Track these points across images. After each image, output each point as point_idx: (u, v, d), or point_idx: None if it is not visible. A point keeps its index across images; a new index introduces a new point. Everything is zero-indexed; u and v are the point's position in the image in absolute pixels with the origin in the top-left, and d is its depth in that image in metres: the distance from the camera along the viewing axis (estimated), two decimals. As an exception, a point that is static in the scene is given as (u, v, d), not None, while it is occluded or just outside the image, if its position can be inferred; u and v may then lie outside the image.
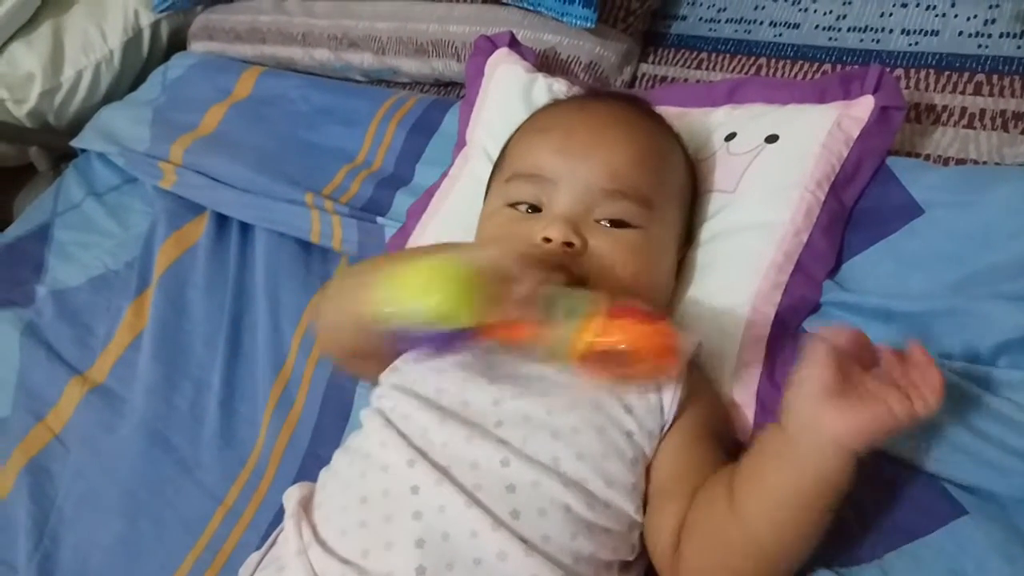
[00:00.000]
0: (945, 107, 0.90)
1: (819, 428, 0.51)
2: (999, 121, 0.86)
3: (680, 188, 0.78)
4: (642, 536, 0.63)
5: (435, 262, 0.57)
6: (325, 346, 0.79)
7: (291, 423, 0.94)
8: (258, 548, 0.69)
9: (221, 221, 1.18)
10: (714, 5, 1.14)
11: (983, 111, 0.87)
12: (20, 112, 1.53)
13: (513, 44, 1.05)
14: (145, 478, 0.95)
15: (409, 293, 0.56)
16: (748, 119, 0.85)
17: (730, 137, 0.84)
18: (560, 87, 0.97)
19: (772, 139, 0.81)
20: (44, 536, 0.93)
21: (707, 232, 0.80)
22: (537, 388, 0.63)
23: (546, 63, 1.10)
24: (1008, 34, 0.91)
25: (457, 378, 0.64)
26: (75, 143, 1.44)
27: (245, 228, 1.15)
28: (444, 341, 0.57)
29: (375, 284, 0.59)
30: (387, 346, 0.66)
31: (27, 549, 0.92)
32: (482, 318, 0.55)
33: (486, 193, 0.82)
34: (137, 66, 1.63)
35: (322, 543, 0.59)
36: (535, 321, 0.57)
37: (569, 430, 0.60)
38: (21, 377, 1.10)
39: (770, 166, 0.80)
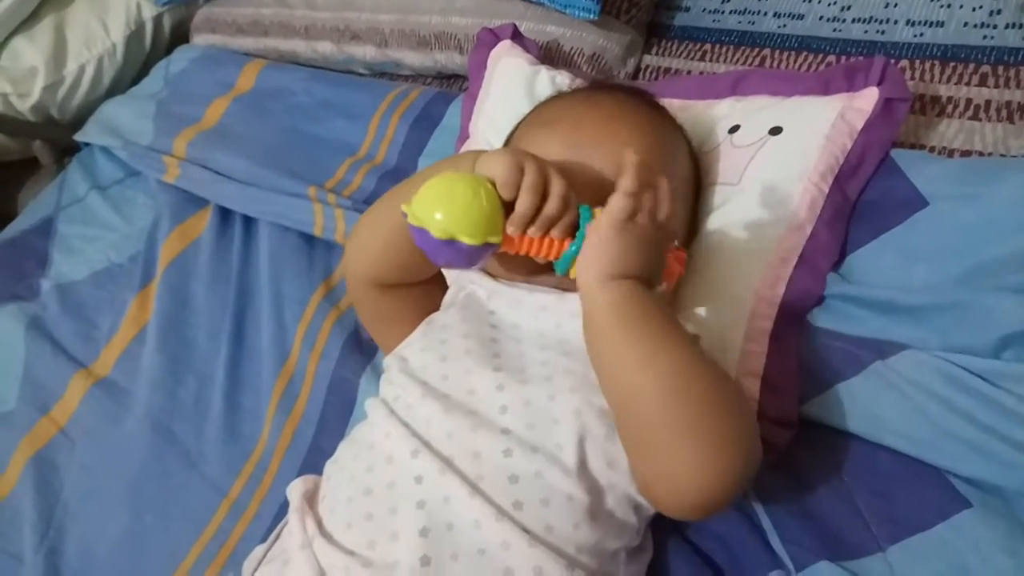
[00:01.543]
0: (950, 99, 0.89)
1: (580, 278, 0.58)
2: (1004, 112, 0.86)
3: (685, 181, 0.78)
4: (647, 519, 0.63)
5: (443, 180, 0.61)
6: (351, 268, 0.81)
7: (295, 417, 0.94)
8: (263, 541, 0.70)
9: (224, 214, 1.18)
10: (718, -4, 1.13)
11: (988, 102, 0.87)
12: (23, 106, 1.53)
13: (516, 36, 1.05)
14: (150, 471, 0.95)
15: (420, 208, 0.61)
16: (752, 111, 0.85)
17: (734, 129, 0.84)
18: (563, 79, 0.97)
19: (776, 131, 0.80)
20: (50, 528, 0.94)
21: (711, 224, 0.80)
22: (540, 373, 0.63)
23: (549, 55, 1.10)
24: (1014, 24, 0.90)
25: (462, 366, 0.64)
26: (78, 137, 1.44)
27: (248, 221, 1.16)
28: (458, 254, 0.61)
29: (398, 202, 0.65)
30: (410, 269, 0.74)
31: (33, 542, 0.93)
32: (486, 235, 0.60)
33: None
34: (140, 59, 1.63)
35: (327, 536, 0.59)
36: (540, 237, 0.62)
37: (571, 413, 0.60)
38: (26, 371, 1.11)
39: (774, 158, 0.79)
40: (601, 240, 0.57)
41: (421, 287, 0.77)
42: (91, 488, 0.97)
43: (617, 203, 0.56)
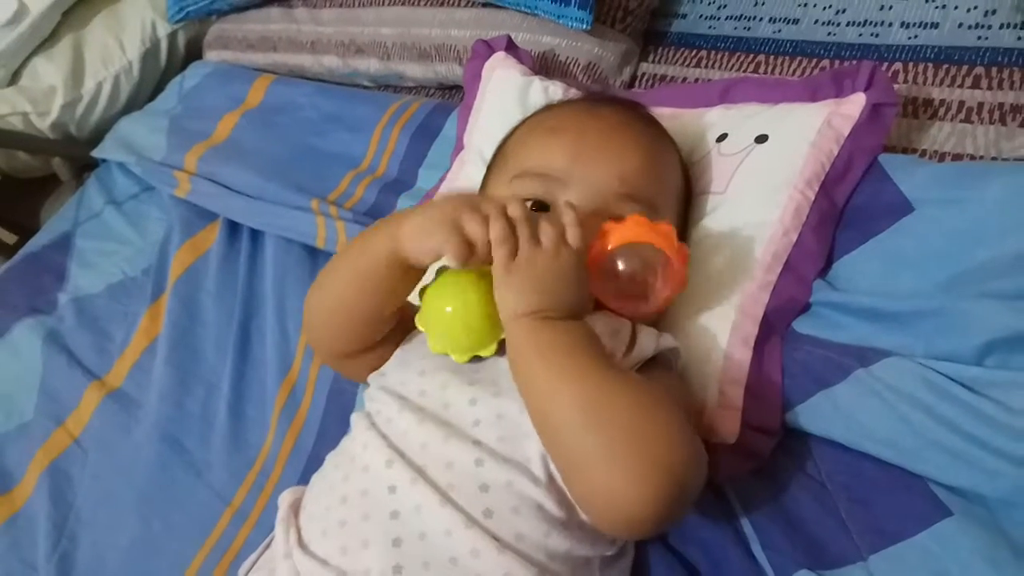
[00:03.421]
0: (943, 101, 0.88)
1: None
2: (997, 115, 0.85)
3: (677, 191, 0.79)
4: None
5: (438, 318, 0.64)
6: (313, 345, 0.82)
7: (297, 426, 0.96)
8: (262, 548, 0.72)
9: (233, 228, 1.21)
10: (714, 2, 1.13)
11: (981, 105, 0.86)
12: (43, 124, 1.57)
13: (510, 48, 1.06)
14: (158, 480, 0.98)
15: (437, 346, 0.65)
16: (740, 119, 0.85)
17: (721, 138, 0.84)
18: (556, 90, 0.98)
19: (762, 139, 0.81)
20: (63, 537, 0.97)
21: (699, 233, 0.80)
22: (514, 386, 0.63)
23: (545, 65, 1.11)
24: (1008, 25, 0.89)
25: (439, 380, 0.65)
26: (95, 153, 1.48)
27: (255, 234, 1.18)
28: None
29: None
30: (369, 333, 0.72)
31: (46, 549, 0.96)
32: (497, 334, 0.63)
33: (481, 191, 0.81)
34: (156, 76, 1.67)
35: (304, 546, 0.60)
36: None
37: None
38: (43, 382, 1.14)
39: (759, 166, 0.79)
40: (496, 286, 0.60)
41: (384, 344, 0.74)
42: (103, 497, 1.00)
43: (495, 253, 0.58)
